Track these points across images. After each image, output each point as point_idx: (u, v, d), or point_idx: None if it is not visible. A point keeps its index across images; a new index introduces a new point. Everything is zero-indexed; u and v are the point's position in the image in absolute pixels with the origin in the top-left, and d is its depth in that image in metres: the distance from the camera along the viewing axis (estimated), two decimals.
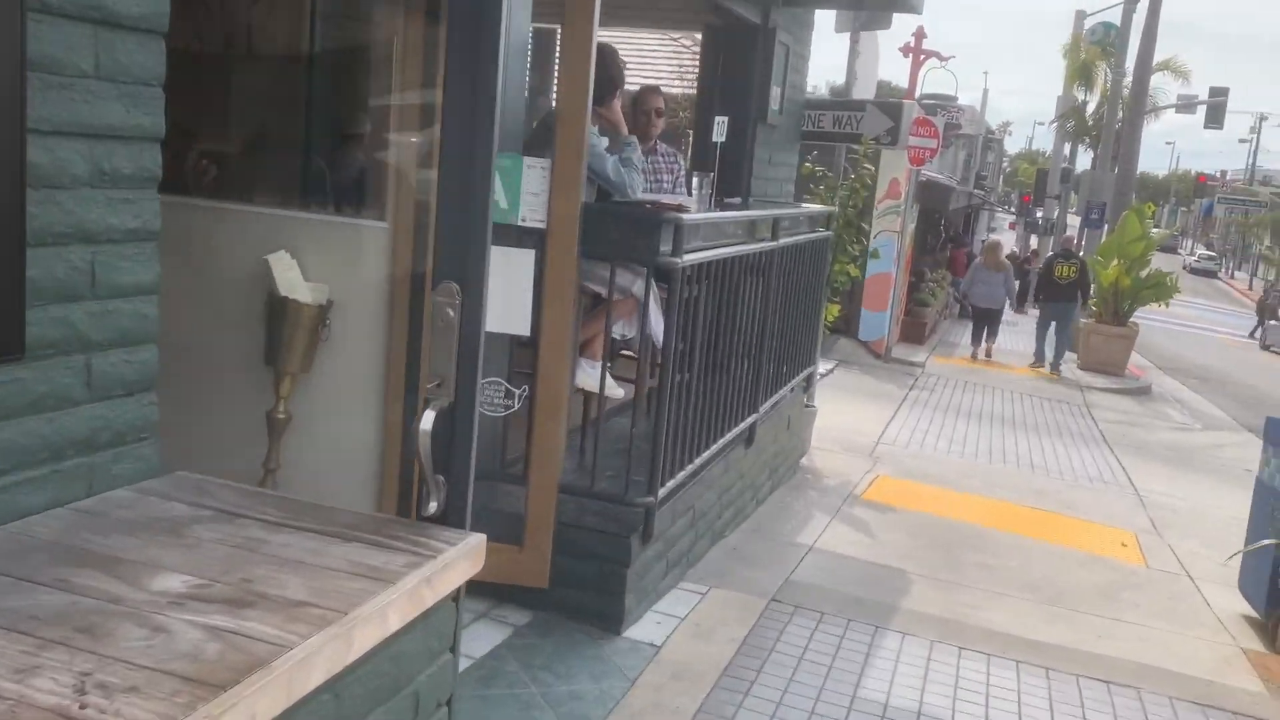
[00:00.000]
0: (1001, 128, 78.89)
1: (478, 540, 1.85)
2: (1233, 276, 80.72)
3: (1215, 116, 29.82)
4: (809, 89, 7.50)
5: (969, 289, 15.86)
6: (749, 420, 5.10)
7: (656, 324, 3.97)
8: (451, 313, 1.98)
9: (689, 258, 3.78)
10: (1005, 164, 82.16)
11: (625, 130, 4.39)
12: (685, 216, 3.77)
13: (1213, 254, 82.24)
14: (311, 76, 3.75)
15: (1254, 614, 5.03)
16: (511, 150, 3.36)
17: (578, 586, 3.72)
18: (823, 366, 12.54)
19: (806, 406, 7.13)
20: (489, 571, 1.94)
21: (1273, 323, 33.60)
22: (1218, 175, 79.02)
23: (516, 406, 3.42)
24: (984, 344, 15.34)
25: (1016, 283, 18.33)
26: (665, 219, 3.72)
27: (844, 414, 9.60)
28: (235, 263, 3.00)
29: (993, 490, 7.35)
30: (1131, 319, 15.93)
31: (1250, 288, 73.03)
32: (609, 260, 3.76)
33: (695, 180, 4.50)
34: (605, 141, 4.12)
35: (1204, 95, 30.91)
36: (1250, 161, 79.62)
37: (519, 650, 3.51)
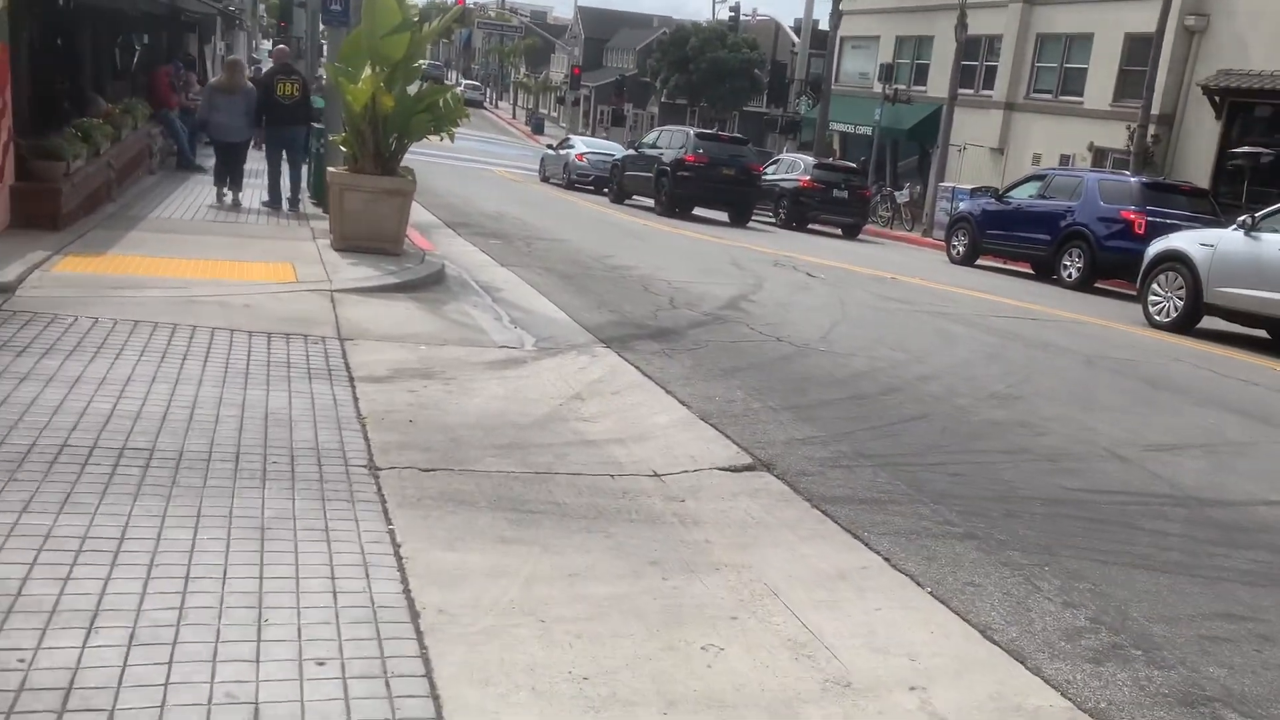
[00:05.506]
0: None
1: None
2: (497, 106, 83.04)
3: None
4: None
5: (207, 117, 12.58)
6: None
7: None
8: None
9: None
10: None
11: None
12: None
13: (477, 84, 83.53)
14: None
15: None
16: None
17: None
18: None
19: None
20: None
21: (548, 152, 32.29)
22: (474, 4, 79.32)
23: None
24: (228, 189, 12.39)
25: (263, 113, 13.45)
26: None
27: None
28: None
29: None
30: (404, 162, 10.34)
31: (514, 116, 75.39)
32: None
33: None
34: None
35: None
36: None
37: None
